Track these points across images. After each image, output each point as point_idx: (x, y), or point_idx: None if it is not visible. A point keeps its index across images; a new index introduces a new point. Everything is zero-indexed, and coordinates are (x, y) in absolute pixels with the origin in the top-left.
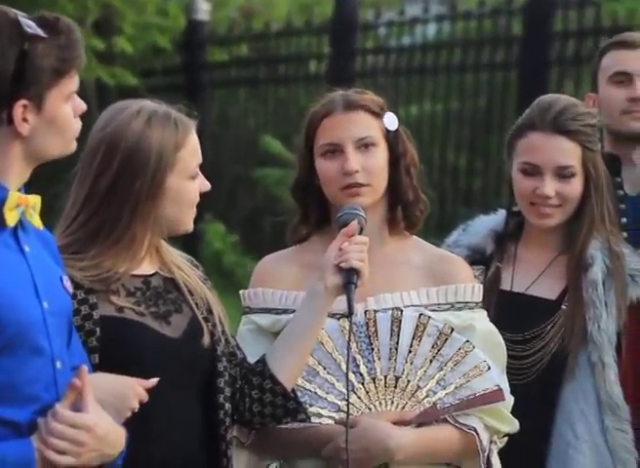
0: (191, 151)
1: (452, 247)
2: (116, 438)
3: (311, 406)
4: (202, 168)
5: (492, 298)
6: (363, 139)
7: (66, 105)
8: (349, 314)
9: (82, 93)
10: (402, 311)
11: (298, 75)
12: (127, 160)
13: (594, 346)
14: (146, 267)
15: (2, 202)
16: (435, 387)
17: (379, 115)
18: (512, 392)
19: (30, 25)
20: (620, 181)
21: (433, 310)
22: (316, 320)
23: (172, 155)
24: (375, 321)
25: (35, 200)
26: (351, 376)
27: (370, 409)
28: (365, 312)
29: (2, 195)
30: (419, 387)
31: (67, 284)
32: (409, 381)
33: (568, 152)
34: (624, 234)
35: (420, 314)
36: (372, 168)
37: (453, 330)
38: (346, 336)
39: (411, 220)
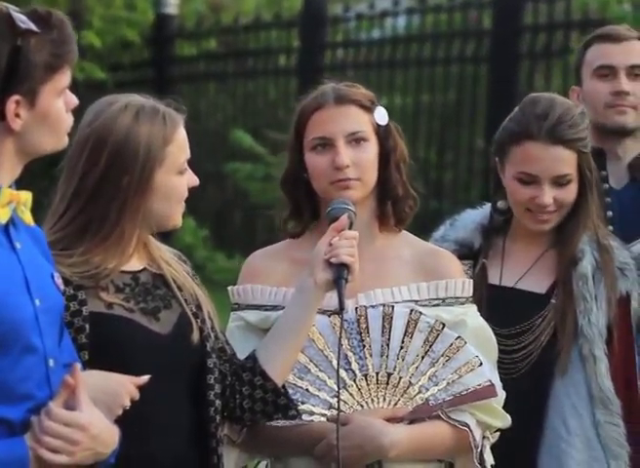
0: (180, 146)
1: (439, 241)
2: (109, 436)
3: (303, 403)
4: None
5: (481, 293)
6: (354, 134)
7: (59, 101)
8: (340, 309)
9: None
10: (393, 307)
11: (267, 69)
12: (115, 155)
13: (585, 340)
14: (135, 263)
15: None
16: (427, 383)
17: (369, 109)
18: (503, 387)
19: (23, 20)
20: (605, 175)
21: (424, 305)
22: (306, 316)
23: (160, 150)
24: (366, 317)
25: (27, 196)
26: (343, 373)
27: (362, 406)
28: (356, 309)
29: None
30: (410, 384)
31: (58, 281)
32: (401, 378)
33: (566, 161)
34: (610, 228)
35: (412, 310)
36: (362, 162)
37: (444, 325)
38: (337, 333)
39: (400, 216)
